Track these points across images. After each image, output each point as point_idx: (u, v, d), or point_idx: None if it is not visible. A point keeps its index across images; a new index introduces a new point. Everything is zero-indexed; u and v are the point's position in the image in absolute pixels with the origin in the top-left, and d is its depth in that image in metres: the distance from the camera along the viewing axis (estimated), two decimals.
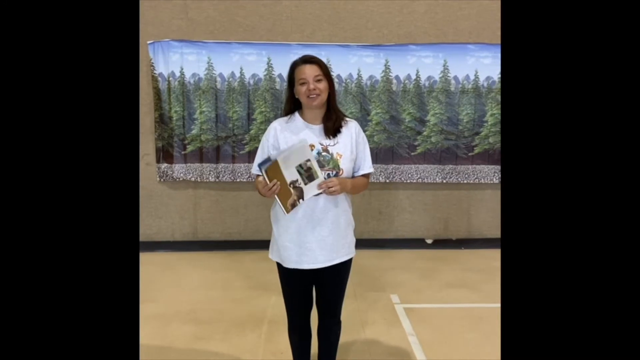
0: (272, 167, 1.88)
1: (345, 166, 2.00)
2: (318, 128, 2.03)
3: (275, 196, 1.93)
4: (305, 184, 1.93)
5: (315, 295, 2.19)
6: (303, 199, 1.96)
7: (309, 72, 1.96)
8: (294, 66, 2.01)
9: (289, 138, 2.01)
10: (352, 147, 2.03)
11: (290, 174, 1.91)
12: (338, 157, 1.99)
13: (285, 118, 2.08)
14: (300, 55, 2.05)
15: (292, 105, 2.06)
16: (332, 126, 2.01)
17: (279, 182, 1.89)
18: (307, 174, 1.92)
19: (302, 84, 1.96)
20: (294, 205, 1.96)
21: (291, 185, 1.92)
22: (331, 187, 1.92)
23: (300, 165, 1.90)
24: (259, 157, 2.07)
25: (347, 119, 2.09)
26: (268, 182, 1.89)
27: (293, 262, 2.05)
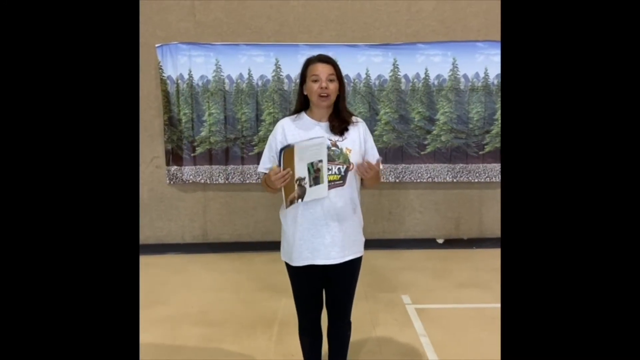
0: (289, 151, 1.86)
1: (355, 160, 2.01)
2: (326, 125, 2.04)
3: (282, 188, 1.92)
4: (310, 185, 1.93)
5: (325, 296, 2.18)
6: (302, 200, 1.95)
7: (323, 70, 1.97)
8: (308, 63, 2.02)
9: (298, 135, 2.01)
10: (360, 142, 2.04)
11: (301, 169, 1.90)
12: (348, 152, 1.99)
13: (292, 117, 2.08)
14: (312, 55, 2.06)
15: (302, 103, 2.07)
16: (338, 126, 2.02)
17: (291, 172, 1.88)
18: (315, 174, 1.92)
19: (315, 81, 1.97)
20: (292, 202, 1.96)
21: (297, 182, 1.91)
22: (367, 172, 1.95)
23: (312, 164, 1.90)
24: (266, 156, 2.09)
25: (355, 118, 2.09)
26: (282, 168, 1.87)
27: (305, 259, 2.04)
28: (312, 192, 1.94)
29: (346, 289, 2.14)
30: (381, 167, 2.11)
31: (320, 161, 1.91)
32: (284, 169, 1.87)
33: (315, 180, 1.92)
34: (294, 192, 1.93)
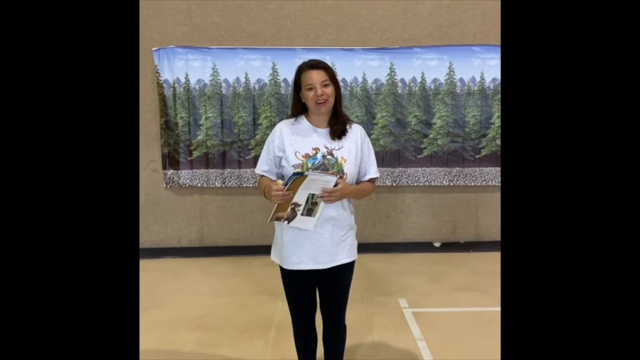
0: (300, 180, 1.87)
1: (349, 170, 2.00)
2: (324, 131, 2.04)
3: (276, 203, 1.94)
4: (302, 214, 1.95)
5: (319, 299, 2.18)
6: (289, 222, 1.97)
7: (316, 77, 1.96)
8: (300, 71, 2.01)
9: (295, 141, 2.01)
10: (356, 151, 2.03)
11: (301, 196, 1.91)
12: (342, 162, 1.99)
13: (292, 120, 2.08)
14: (306, 60, 2.05)
15: (299, 109, 2.07)
16: (338, 129, 2.02)
17: (291, 195, 1.89)
18: (311, 207, 1.95)
19: (310, 89, 1.96)
20: (278, 219, 1.99)
21: (292, 205, 1.93)
22: (330, 197, 1.91)
23: (312, 195, 1.92)
24: (264, 158, 2.09)
25: (352, 122, 2.09)
26: (286, 188, 1.88)
27: (293, 264, 2.04)
28: (300, 220, 1.97)
29: (338, 292, 2.14)
30: (376, 176, 2.12)
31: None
32: (287, 190, 1.88)
33: (309, 211, 1.95)
34: (285, 211, 1.95)
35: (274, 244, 2.15)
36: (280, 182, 1.93)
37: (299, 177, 1.86)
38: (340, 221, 2.04)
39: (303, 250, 2.02)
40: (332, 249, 2.03)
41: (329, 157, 1.99)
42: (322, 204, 1.94)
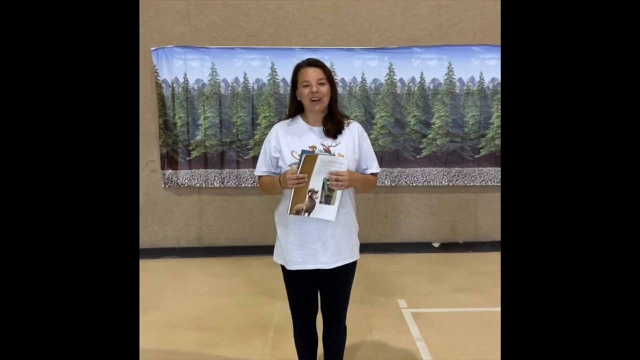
0: (311, 158, 1.87)
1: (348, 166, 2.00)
2: (319, 130, 2.04)
3: (292, 190, 1.92)
4: (320, 201, 1.93)
5: (320, 299, 2.17)
6: (309, 214, 1.95)
7: (313, 75, 1.97)
8: (298, 68, 2.03)
9: (291, 141, 2.01)
10: (354, 147, 2.03)
11: (316, 181, 1.90)
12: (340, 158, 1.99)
13: (287, 121, 2.09)
14: (304, 59, 2.06)
15: (296, 108, 2.07)
16: (332, 129, 2.02)
17: (306, 178, 1.88)
18: (328, 193, 1.93)
19: (305, 86, 1.98)
20: (298, 212, 1.96)
21: (309, 193, 1.92)
22: (339, 180, 1.90)
23: (327, 180, 1.91)
24: (261, 160, 2.10)
25: (349, 120, 2.09)
26: (299, 171, 1.88)
27: (296, 264, 2.04)
28: (320, 210, 1.94)
29: (340, 293, 2.14)
30: (378, 171, 2.11)
31: None
32: (300, 173, 1.88)
33: (327, 199, 1.93)
34: (303, 202, 1.93)
35: (276, 245, 2.14)
36: (294, 166, 1.93)
37: (308, 154, 1.86)
38: (341, 219, 2.04)
39: (306, 250, 2.02)
40: (335, 249, 2.03)
41: (325, 154, 1.99)
42: (339, 191, 1.93)
